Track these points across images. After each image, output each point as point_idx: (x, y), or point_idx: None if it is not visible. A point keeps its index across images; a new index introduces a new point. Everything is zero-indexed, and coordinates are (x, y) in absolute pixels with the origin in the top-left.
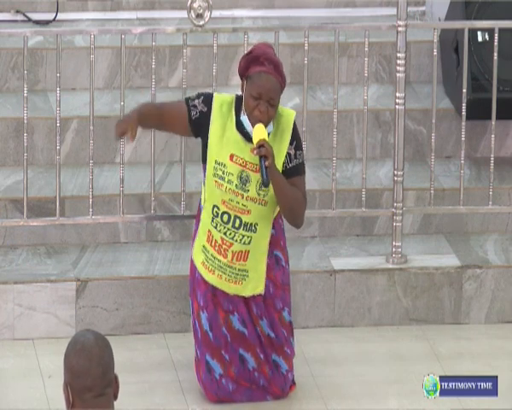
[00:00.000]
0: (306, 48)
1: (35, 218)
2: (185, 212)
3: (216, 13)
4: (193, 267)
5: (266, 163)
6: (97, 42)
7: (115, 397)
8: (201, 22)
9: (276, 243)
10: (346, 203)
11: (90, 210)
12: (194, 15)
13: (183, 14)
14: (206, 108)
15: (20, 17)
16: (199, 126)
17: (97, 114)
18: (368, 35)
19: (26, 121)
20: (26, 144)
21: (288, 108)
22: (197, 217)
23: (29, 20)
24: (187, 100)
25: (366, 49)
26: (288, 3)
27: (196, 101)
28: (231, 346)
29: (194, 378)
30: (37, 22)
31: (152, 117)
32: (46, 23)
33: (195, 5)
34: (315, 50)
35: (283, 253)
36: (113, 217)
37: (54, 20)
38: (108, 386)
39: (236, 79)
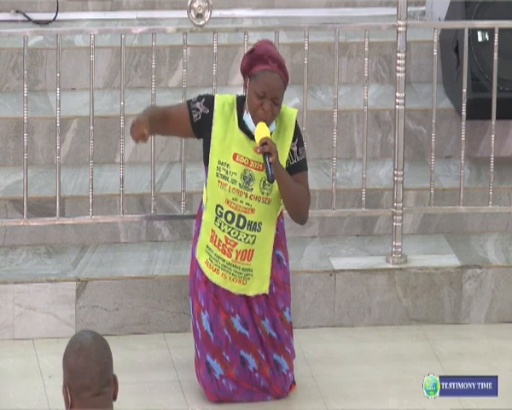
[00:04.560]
0: (306, 48)
1: (35, 218)
2: (185, 212)
3: (216, 13)
4: (194, 267)
5: (270, 159)
6: (97, 42)
7: (114, 398)
8: (201, 22)
9: (278, 242)
10: (346, 203)
11: (90, 210)
12: (194, 15)
13: (183, 14)
14: (208, 110)
15: (20, 17)
16: (201, 128)
17: (97, 114)
18: (368, 35)
19: (26, 121)
20: (26, 144)
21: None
22: (198, 218)
23: (29, 20)
24: (188, 103)
25: (366, 49)
26: (288, 3)
27: (198, 103)
28: (232, 347)
29: (194, 378)
30: (37, 22)
31: (158, 121)
32: (46, 23)
33: (195, 5)
34: (315, 50)
35: (284, 252)
36: (113, 217)
37: (54, 20)
38: (107, 385)
39: (236, 79)
